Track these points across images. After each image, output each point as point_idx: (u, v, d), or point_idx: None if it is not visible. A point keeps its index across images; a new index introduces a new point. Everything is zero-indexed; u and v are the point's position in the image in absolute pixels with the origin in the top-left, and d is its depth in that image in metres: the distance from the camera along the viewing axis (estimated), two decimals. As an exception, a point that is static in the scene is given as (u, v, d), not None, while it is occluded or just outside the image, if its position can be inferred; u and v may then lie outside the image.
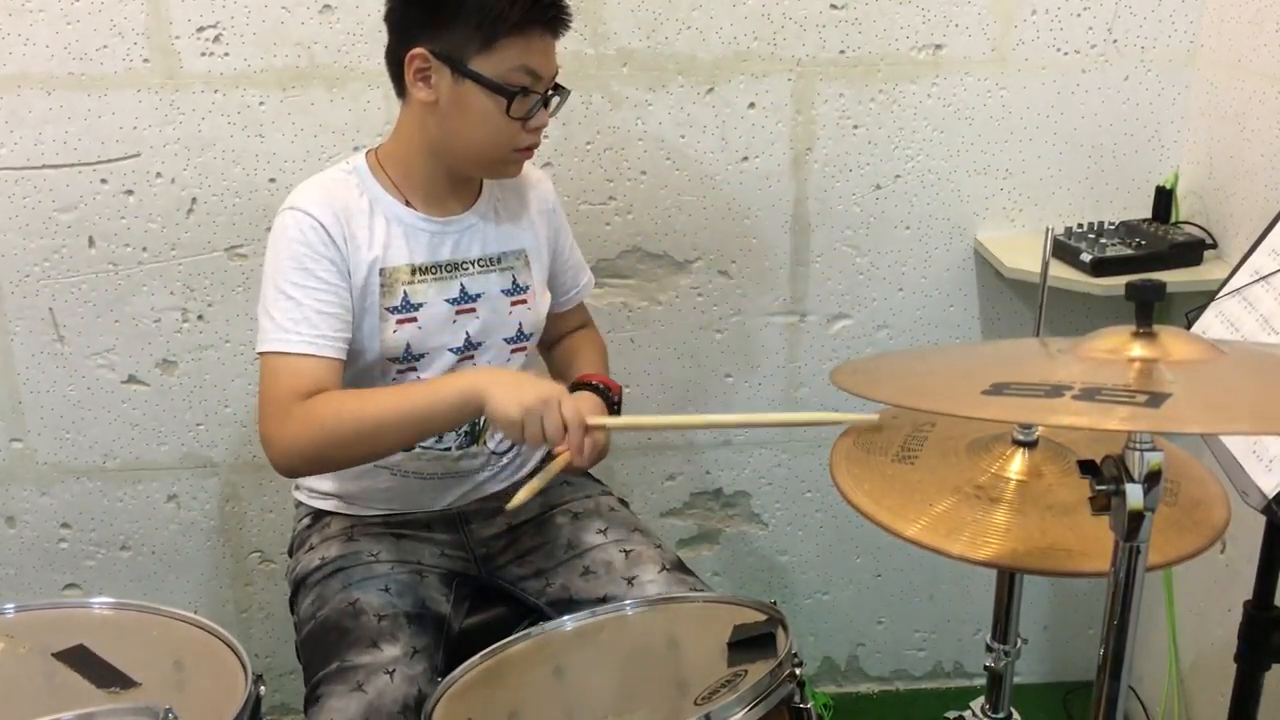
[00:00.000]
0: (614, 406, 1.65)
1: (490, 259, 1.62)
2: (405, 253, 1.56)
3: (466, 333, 1.60)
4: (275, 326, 1.48)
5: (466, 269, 1.60)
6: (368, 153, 1.60)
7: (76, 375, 2.04)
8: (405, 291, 1.55)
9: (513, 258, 1.65)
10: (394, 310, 1.55)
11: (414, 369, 1.58)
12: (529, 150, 1.55)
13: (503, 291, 1.63)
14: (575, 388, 1.65)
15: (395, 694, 1.40)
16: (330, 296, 1.49)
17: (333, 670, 1.44)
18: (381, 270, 1.54)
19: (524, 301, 1.65)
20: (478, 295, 1.60)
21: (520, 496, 1.48)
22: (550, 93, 1.53)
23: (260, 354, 1.49)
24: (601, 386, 1.64)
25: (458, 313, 1.59)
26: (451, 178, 1.58)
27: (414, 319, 1.56)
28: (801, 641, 1.49)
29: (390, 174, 1.57)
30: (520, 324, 1.65)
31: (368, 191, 1.55)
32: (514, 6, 1.43)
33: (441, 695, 1.31)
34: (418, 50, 1.46)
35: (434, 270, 1.58)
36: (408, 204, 1.57)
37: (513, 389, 1.40)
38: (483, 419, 1.63)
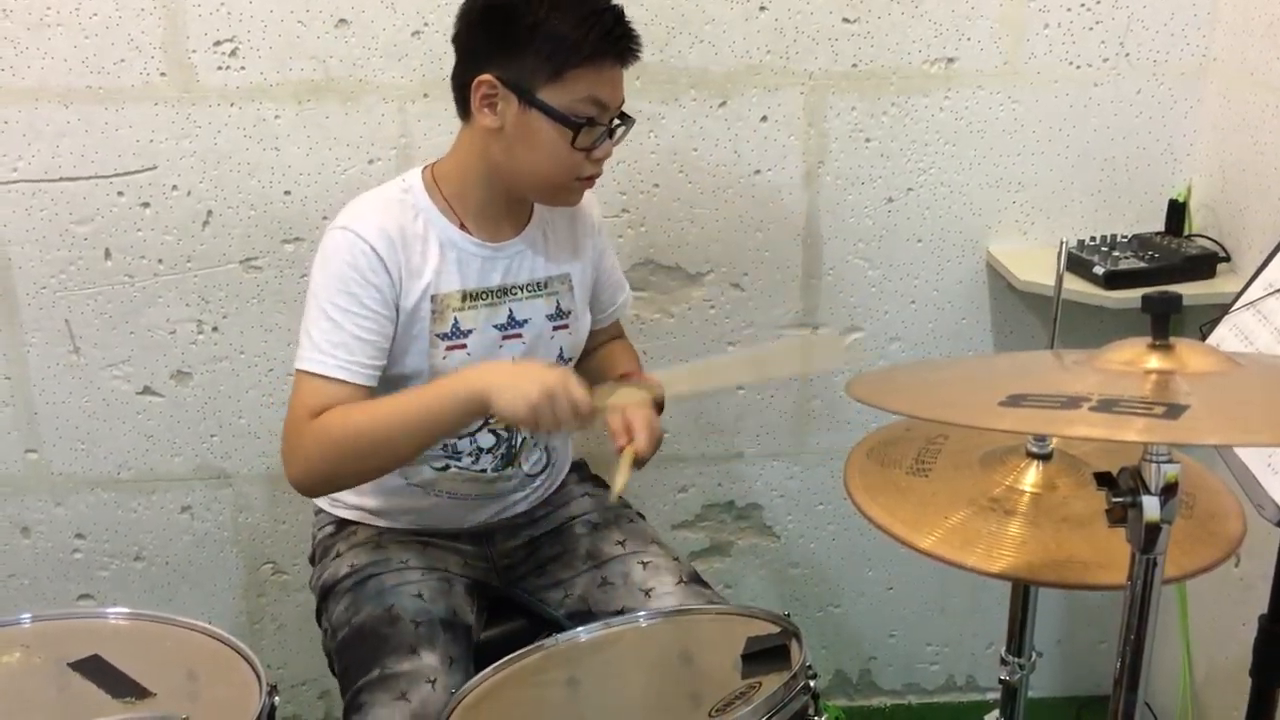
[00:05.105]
0: (659, 404, 1.62)
1: (538, 284, 1.62)
2: (457, 279, 1.54)
3: (512, 358, 1.59)
4: (313, 346, 1.48)
5: (515, 294, 1.59)
6: (424, 169, 1.58)
7: (92, 386, 2.05)
8: (456, 318, 1.55)
9: (558, 283, 1.64)
10: (444, 337, 1.54)
11: None
12: (590, 180, 1.54)
13: (547, 317, 1.62)
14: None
15: (438, 703, 1.40)
16: (371, 324, 1.48)
17: (374, 678, 1.44)
18: (433, 297, 1.53)
19: (565, 326, 1.65)
20: (524, 321, 1.60)
21: (617, 489, 1.47)
22: (616, 122, 1.51)
23: (296, 370, 1.49)
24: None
25: (504, 338, 1.59)
26: (507, 201, 1.57)
27: (463, 345, 1.55)
28: (813, 654, 1.49)
29: (445, 193, 1.55)
30: (561, 348, 1.65)
31: (422, 214, 1.54)
32: (587, 38, 1.41)
33: (455, 707, 1.31)
34: (485, 77, 1.45)
35: (484, 296, 1.57)
36: (461, 226, 1.55)
37: (517, 387, 1.38)
38: (519, 441, 1.64)
